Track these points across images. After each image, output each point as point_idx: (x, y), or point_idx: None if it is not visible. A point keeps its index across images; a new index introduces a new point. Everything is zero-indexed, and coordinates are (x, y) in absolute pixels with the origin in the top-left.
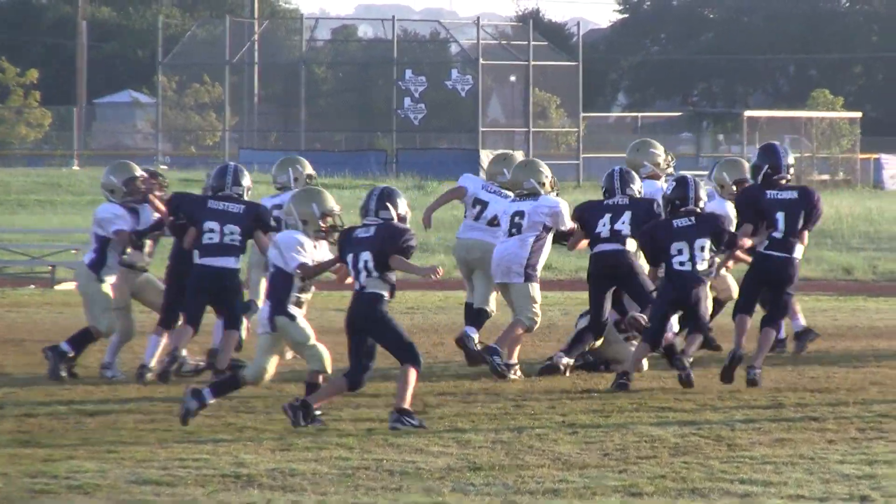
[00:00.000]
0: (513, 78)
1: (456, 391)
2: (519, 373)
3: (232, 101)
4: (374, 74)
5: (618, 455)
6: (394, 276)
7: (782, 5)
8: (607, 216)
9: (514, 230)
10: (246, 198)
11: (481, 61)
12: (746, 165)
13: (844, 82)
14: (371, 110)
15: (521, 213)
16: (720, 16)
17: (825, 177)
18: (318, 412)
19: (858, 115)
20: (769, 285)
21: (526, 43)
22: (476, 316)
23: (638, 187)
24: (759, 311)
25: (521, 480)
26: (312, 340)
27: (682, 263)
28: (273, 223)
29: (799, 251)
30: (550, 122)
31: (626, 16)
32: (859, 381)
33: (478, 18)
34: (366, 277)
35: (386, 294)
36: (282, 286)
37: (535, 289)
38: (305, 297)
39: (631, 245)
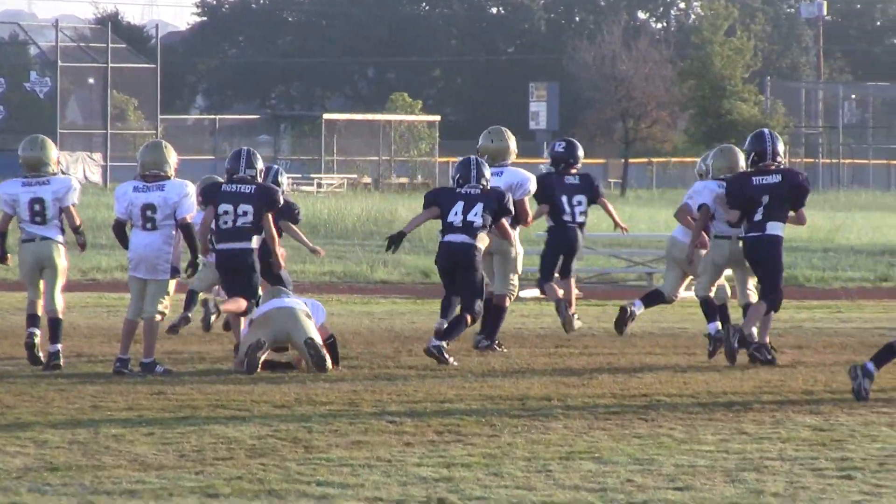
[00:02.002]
0: (91, 80)
1: (32, 391)
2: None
3: None
4: None
5: (195, 456)
6: None
7: (362, 9)
8: (460, 204)
9: (148, 224)
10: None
11: (60, 63)
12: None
13: (424, 86)
14: None
15: (152, 207)
16: (299, 19)
17: (404, 180)
18: None
19: (437, 118)
20: (756, 266)
21: (105, 45)
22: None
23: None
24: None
25: (99, 481)
26: None
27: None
28: None
29: (778, 229)
30: (129, 123)
31: (204, 19)
32: (436, 384)
33: (56, 21)
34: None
35: None
36: None
37: (172, 283)
38: None
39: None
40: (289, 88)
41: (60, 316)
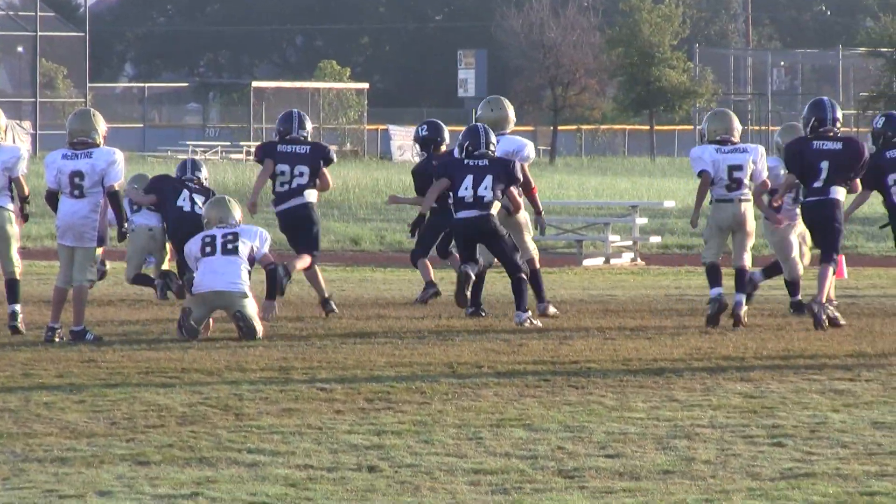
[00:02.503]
0: (20, 48)
1: None
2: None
3: None
4: None
5: (126, 424)
6: None
7: None
8: (470, 178)
9: (76, 191)
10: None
11: None
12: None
13: (352, 53)
14: None
15: (80, 174)
16: None
17: (332, 147)
18: None
19: (366, 85)
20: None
21: (33, 14)
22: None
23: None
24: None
25: (30, 448)
26: None
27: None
28: None
29: (840, 194)
30: (58, 92)
31: None
32: (367, 352)
33: None
34: None
35: None
36: None
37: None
38: None
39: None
40: (217, 56)
41: (18, 277)
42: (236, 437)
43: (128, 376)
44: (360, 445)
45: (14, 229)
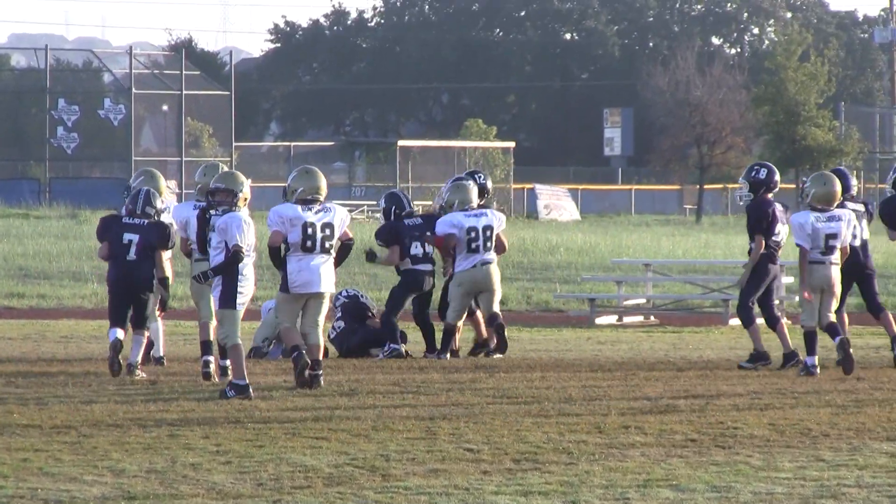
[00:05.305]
0: (165, 107)
1: (109, 420)
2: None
3: None
4: (27, 103)
5: (272, 485)
6: None
7: (435, 35)
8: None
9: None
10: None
11: (134, 90)
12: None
13: (498, 111)
14: (24, 139)
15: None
16: (372, 45)
17: None
18: None
19: (512, 144)
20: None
21: (178, 72)
22: None
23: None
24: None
25: None
26: None
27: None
28: None
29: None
30: (203, 151)
31: (278, 45)
32: (514, 413)
33: (130, 48)
34: None
35: None
36: None
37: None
38: None
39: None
40: (363, 115)
41: (212, 338)
42: (383, 497)
43: (274, 437)
44: None
45: None
